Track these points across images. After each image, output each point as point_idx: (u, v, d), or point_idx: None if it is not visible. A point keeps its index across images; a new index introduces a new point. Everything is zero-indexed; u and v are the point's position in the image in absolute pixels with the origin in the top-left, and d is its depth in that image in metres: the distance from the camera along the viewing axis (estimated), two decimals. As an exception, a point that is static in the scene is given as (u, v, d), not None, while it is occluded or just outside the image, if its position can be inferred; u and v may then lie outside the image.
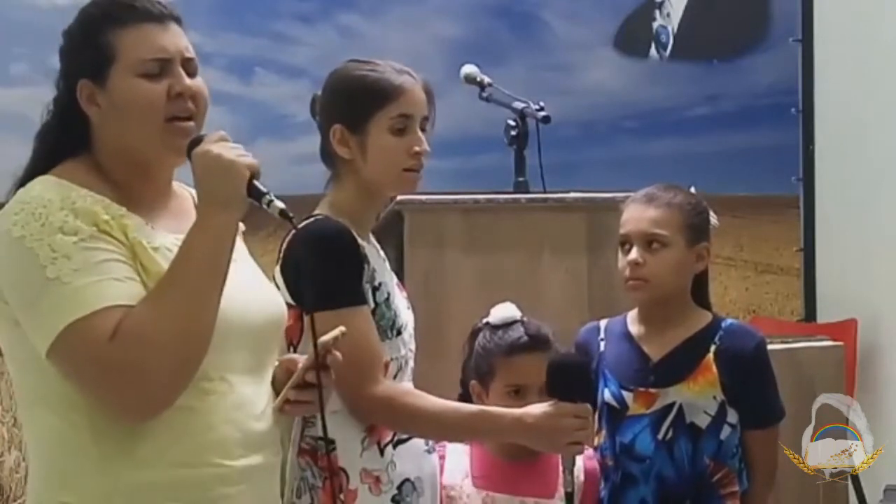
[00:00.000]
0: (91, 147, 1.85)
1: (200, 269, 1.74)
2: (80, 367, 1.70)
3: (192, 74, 1.86)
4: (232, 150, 1.79)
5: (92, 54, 1.82)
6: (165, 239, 1.80)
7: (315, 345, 1.83)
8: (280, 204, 1.79)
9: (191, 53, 1.87)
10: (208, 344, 1.73)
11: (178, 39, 1.85)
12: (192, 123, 1.84)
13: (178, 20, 1.87)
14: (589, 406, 2.25)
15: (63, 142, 1.85)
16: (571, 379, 2.23)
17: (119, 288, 1.71)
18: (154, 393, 1.70)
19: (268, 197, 1.79)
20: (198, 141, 1.81)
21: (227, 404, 1.80)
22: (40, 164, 1.83)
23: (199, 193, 1.79)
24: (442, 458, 2.48)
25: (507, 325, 2.51)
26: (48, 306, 1.69)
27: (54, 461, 1.78)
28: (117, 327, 1.67)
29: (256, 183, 1.79)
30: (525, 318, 2.52)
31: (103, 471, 1.74)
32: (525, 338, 2.48)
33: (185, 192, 1.95)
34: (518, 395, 2.42)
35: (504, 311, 2.53)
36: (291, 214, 1.81)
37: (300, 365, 1.91)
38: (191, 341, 1.71)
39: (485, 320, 2.55)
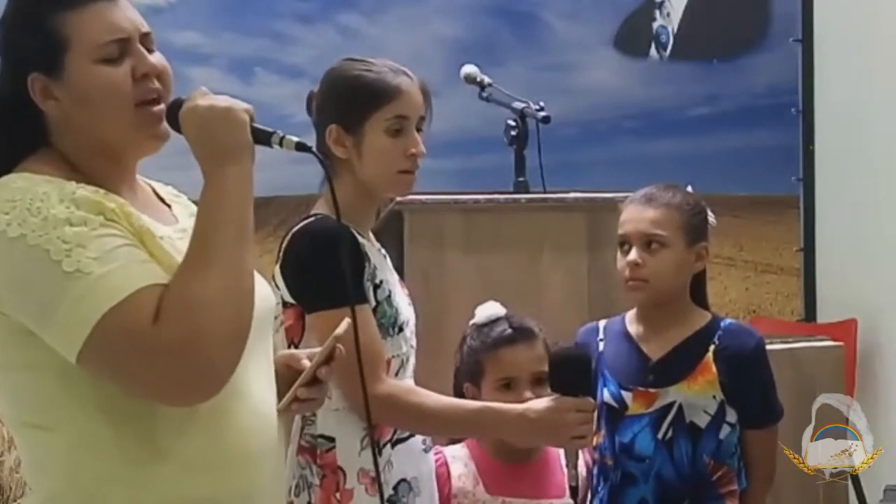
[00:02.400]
0: (51, 141, 1.67)
1: (229, 227, 1.57)
2: (125, 361, 1.51)
3: (150, 50, 1.68)
4: (222, 99, 1.64)
5: (40, 44, 1.63)
6: (165, 229, 1.67)
7: (362, 341, 1.72)
8: (294, 137, 1.65)
9: (146, 27, 1.68)
10: (254, 304, 1.59)
11: (131, 14, 1.68)
12: (162, 106, 1.67)
13: None
14: (591, 400, 2.25)
15: (17, 138, 1.66)
16: (573, 373, 2.22)
17: (147, 268, 1.54)
18: (214, 367, 1.53)
19: (277, 135, 1.65)
20: (178, 104, 1.65)
21: (248, 407, 1.66)
22: None
23: (201, 152, 1.62)
24: (443, 465, 2.48)
25: (492, 322, 2.52)
26: (73, 302, 1.49)
27: (74, 481, 1.59)
28: (158, 307, 1.50)
29: (258, 125, 1.65)
30: (509, 314, 2.53)
31: (132, 490, 1.57)
32: (509, 330, 2.49)
33: (145, 185, 1.79)
34: (510, 388, 2.43)
35: (488, 310, 2.54)
36: (310, 145, 1.68)
37: (303, 361, 1.82)
38: (240, 302, 1.55)
39: (470, 322, 2.56)
